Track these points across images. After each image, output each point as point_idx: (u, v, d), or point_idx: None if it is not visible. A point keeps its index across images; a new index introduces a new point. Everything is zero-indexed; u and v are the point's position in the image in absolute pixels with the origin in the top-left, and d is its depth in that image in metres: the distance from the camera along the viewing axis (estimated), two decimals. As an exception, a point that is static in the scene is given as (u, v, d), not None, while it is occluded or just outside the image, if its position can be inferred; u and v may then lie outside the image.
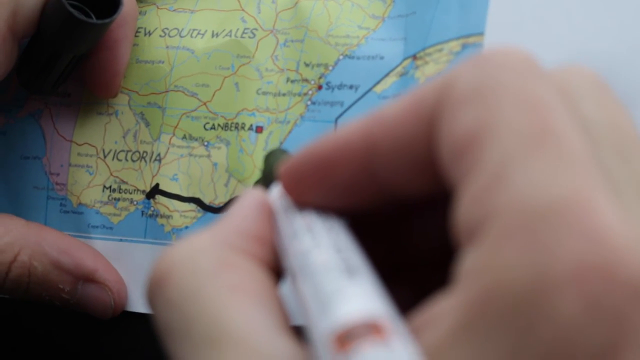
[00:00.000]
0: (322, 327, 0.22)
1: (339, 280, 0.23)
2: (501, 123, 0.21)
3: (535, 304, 0.19)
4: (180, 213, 0.45)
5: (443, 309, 0.21)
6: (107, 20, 0.42)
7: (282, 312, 0.24)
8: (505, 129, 0.21)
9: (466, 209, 0.21)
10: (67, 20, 0.42)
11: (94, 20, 0.42)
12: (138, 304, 0.46)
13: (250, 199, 0.27)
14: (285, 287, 0.25)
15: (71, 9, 0.41)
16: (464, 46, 0.40)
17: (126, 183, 0.47)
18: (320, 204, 0.26)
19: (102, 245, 0.47)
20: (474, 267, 0.20)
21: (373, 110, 0.24)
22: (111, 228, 0.47)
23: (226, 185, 0.45)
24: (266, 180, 0.33)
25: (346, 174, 0.25)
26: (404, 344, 0.21)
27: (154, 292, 0.24)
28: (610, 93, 0.24)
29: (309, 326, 0.22)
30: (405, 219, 0.27)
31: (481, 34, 0.39)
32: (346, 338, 0.21)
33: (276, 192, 0.27)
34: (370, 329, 0.21)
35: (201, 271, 0.24)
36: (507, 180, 0.20)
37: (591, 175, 0.20)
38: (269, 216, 0.27)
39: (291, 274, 0.25)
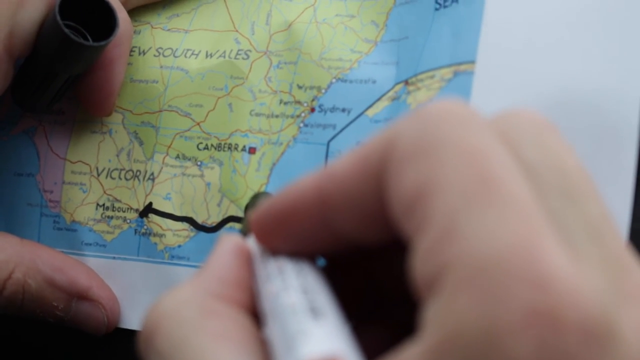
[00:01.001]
0: None
1: (304, 321, 0.24)
2: (444, 178, 0.22)
3: (487, 352, 0.20)
4: (173, 232, 0.46)
5: (409, 356, 0.22)
6: (103, 43, 0.43)
7: (264, 355, 0.25)
8: (448, 184, 0.22)
9: (421, 263, 0.22)
10: (64, 42, 0.42)
11: (91, 42, 0.43)
12: (131, 321, 0.47)
13: (228, 245, 0.28)
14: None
15: (67, 31, 0.42)
16: (456, 74, 0.41)
17: (119, 201, 0.47)
18: (288, 250, 0.27)
19: (96, 262, 0.47)
20: (435, 318, 0.21)
21: (325, 166, 0.26)
22: (104, 246, 0.47)
23: (219, 205, 0.45)
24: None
25: (304, 226, 0.26)
26: None
27: (145, 344, 0.26)
28: (553, 135, 0.25)
29: None
30: (379, 259, 0.28)
31: (472, 62, 0.40)
32: None
33: (254, 238, 0.29)
34: None
35: (186, 321, 0.25)
36: (455, 234, 0.21)
37: (536, 221, 0.21)
38: (247, 261, 0.28)
39: (264, 316, 0.26)
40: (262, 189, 0.45)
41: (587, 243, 0.22)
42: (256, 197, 0.37)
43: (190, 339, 0.25)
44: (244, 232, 0.33)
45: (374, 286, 0.29)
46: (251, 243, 0.29)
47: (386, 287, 0.29)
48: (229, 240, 0.28)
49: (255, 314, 0.27)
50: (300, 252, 0.27)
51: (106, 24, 0.43)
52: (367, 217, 0.25)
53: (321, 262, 0.29)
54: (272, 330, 0.25)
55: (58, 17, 0.41)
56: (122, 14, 0.45)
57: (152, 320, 0.26)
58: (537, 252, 0.21)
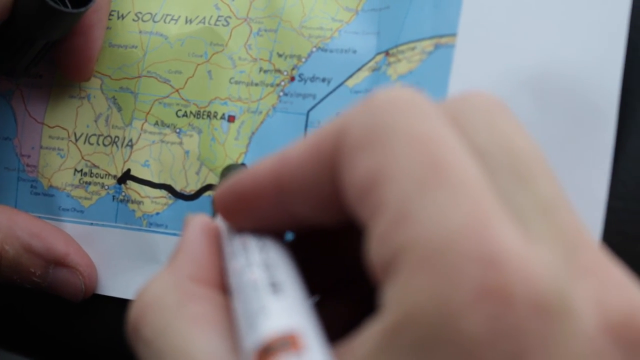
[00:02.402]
0: (247, 343, 0.23)
1: (264, 297, 0.24)
2: (395, 165, 0.23)
3: (441, 329, 0.21)
4: (151, 199, 0.46)
5: (367, 335, 0.23)
6: (82, 9, 0.42)
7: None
8: (399, 171, 0.23)
9: (376, 247, 0.23)
10: (42, 8, 0.42)
11: (69, 9, 0.42)
12: (108, 288, 0.47)
13: (196, 226, 0.29)
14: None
15: (46, -3, 0.41)
16: (437, 46, 0.40)
17: (97, 167, 0.47)
18: (252, 228, 0.28)
19: (73, 228, 0.47)
20: (392, 300, 0.22)
21: (281, 150, 0.27)
22: (82, 211, 0.47)
23: (197, 173, 0.45)
24: None
25: (262, 208, 0.27)
26: (320, 356, 0.22)
27: (132, 335, 0.27)
28: (504, 116, 0.25)
29: (240, 343, 0.24)
30: (342, 236, 0.29)
31: (454, 34, 0.40)
32: (266, 353, 0.22)
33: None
34: (288, 343, 0.22)
35: (167, 308, 0.26)
36: (408, 218, 0.22)
37: (486, 202, 0.22)
38: (217, 240, 0.29)
39: (231, 293, 0.27)
40: (241, 158, 0.45)
41: (539, 221, 0.23)
42: (227, 170, 0.37)
43: (171, 325, 0.26)
44: (214, 209, 0.34)
45: (340, 261, 0.30)
46: (219, 220, 0.29)
47: (351, 263, 0.29)
48: (197, 220, 0.29)
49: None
50: (264, 229, 0.28)
51: (85, -11, 0.43)
52: (322, 202, 0.26)
53: (290, 236, 0.29)
54: (237, 306, 0.25)
55: (36, -18, 0.41)
56: (100, -21, 0.45)
57: (136, 311, 0.27)
58: (488, 231, 0.21)
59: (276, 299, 0.24)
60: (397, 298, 0.22)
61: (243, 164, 0.44)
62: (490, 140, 0.24)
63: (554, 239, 0.23)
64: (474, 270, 0.21)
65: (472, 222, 0.22)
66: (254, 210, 0.27)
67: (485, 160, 0.24)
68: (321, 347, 0.23)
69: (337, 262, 0.30)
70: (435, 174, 0.22)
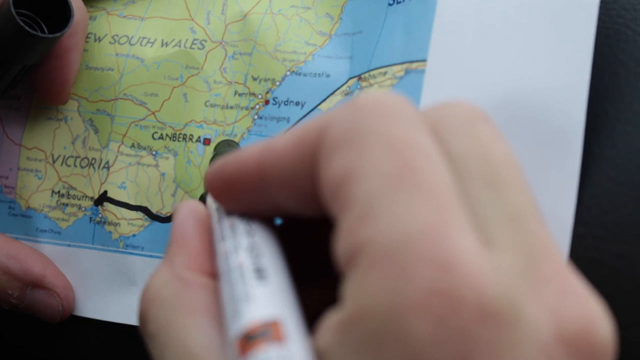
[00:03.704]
0: (231, 331, 0.24)
1: (249, 283, 0.25)
2: (367, 165, 0.24)
3: (390, 326, 0.22)
4: (127, 221, 0.46)
5: (326, 326, 0.23)
6: (57, 34, 0.43)
7: None
8: (370, 170, 0.24)
9: (342, 241, 0.24)
10: (18, 33, 0.42)
11: (45, 34, 0.43)
12: (86, 309, 0.47)
13: (186, 212, 0.30)
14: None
15: (22, 23, 0.42)
16: (407, 71, 0.41)
17: (75, 189, 0.47)
18: (240, 210, 0.29)
19: (50, 249, 0.47)
20: (350, 293, 0.23)
21: (268, 139, 0.27)
22: (59, 233, 0.47)
23: (173, 195, 0.46)
24: None
25: (247, 192, 0.28)
26: (299, 345, 0.23)
27: (142, 331, 0.28)
28: (484, 126, 0.26)
29: (225, 329, 0.25)
30: (324, 225, 0.30)
31: (424, 60, 0.40)
32: (247, 341, 0.23)
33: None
34: (269, 332, 0.23)
35: (166, 302, 0.27)
36: (372, 216, 0.23)
37: (448, 207, 0.23)
38: (207, 224, 0.30)
39: (219, 276, 0.27)
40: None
41: (503, 230, 0.24)
42: (221, 146, 0.38)
43: (170, 318, 0.27)
44: (205, 188, 0.34)
45: (325, 249, 0.30)
46: (210, 200, 0.30)
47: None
48: (185, 207, 0.30)
49: None
50: (252, 213, 0.29)
51: (61, 13, 0.43)
52: (301, 195, 0.27)
53: (279, 220, 0.30)
54: (223, 291, 0.26)
55: (12, 8, 0.41)
56: (77, 3, 0.45)
57: (141, 307, 0.28)
58: (444, 235, 0.22)
59: (260, 285, 0.25)
60: (353, 293, 0.23)
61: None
62: (467, 148, 0.25)
63: (515, 248, 0.23)
64: (425, 272, 0.22)
65: (430, 225, 0.22)
66: (239, 194, 0.28)
67: (458, 168, 0.24)
68: (301, 337, 0.23)
69: (322, 249, 0.30)
70: (403, 176, 0.23)
